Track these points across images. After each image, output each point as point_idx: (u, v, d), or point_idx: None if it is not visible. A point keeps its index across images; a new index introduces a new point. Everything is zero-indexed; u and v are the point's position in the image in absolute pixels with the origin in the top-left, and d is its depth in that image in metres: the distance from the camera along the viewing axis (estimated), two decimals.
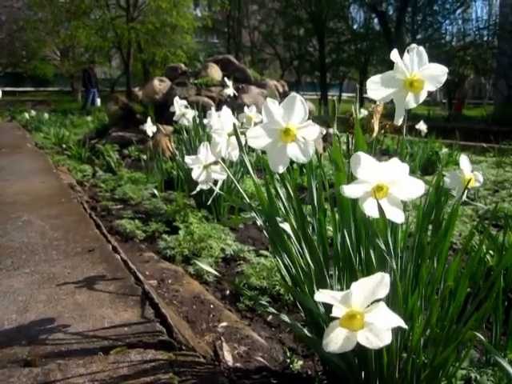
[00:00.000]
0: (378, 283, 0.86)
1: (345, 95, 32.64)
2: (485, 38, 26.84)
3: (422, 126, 6.27)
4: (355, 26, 31.61)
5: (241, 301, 2.21)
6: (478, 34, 27.30)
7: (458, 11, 27.55)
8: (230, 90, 4.82)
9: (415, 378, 1.29)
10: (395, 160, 1.04)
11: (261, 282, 2.30)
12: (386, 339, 0.87)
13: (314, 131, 1.15)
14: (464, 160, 1.41)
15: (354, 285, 0.87)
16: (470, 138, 8.34)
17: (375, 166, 1.03)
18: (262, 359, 1.72)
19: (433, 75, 1.17)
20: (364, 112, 5.84)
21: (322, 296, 0.87)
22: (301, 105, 1.13)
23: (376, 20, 28.03)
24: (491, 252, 2.17)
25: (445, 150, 6.41)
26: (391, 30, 24.51)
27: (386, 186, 1.04)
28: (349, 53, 29.99)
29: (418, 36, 26.21)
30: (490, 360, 1.50)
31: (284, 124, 1.15)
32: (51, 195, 3.75)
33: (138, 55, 23.18)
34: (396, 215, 1.07)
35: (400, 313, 1.14)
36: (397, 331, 1.20)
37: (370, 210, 1.05)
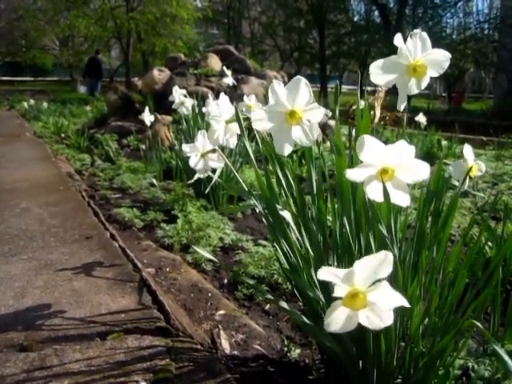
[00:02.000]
0: (381, 261, 0.85)
1: (345, 87, 32.58)
2: (485, 32, 26.81)
3: (421, 119, 6.25)
4: (356, 19, 31.51)
5: (239, 289, 2.21)
6: (478, 27, 27.29)
7: (459, 4, 27.49)
8: (229, 80, 4.80)
9: (413, 367, 1.29)
10: (401, 142, 1.03)
11: (259, 271, 2.29)
12: (387, 320, 0.86)
13: (318, 114, 1.14)
14: (467, 149, 1.40)
15: (356, 263, 0.86)
16: (470, 131, 8.33)
17: (380, 149, 1.02)
18: (259, 347, 1.72)
19: (436, 60, 1.16)
20: (363, 103, 5.81)
21: (324, 273, 0.86)
22: (305, 87, 1.12)
23: (377, 12, 27.97)
24: (490, 244, 2.17)
25: (444, 143, 6.39)
26: (392, 22, 24.46)
27: (391, 169, 1.03)
28: (349, 45, 29.90)
29: (419, 29, 26.06)
30: (488, 350, 1.50)
31: (289, 106, 1.14)
32: (50, 183, 3.74)
33: (137, 45, 23.09)
34: (401, 199, 1.06)
35: None
36: (396, 319, 1.20)
37: (373, 193, 1.04)
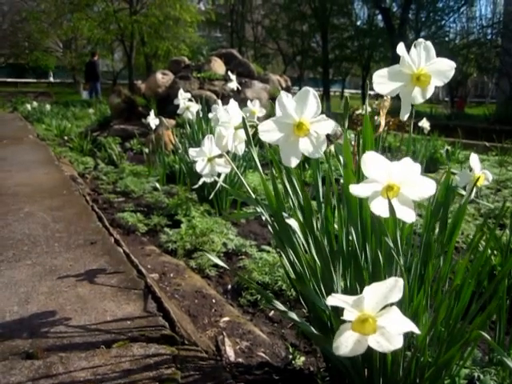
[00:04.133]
0: (391, 288, 0.85)
1: (347, 91, 32.64)
2: (488, 37, 26.80)
3: (424, 124, 6.24)
4: (359, 23, 31.58)
5: (242, 296, 2.21)
6: (481, 32, 27.29)
7: (462, 9, 27.50)
8: (233, 84, 4.81)
9: (419, 377, 1.28)
10: (406, 159, 1.02)
11: (263, 277, 2.29)
12: (397, 343, 0.86)
13: (327, 126, 1.14)
14: (474, 159, 1.40)
15: (366, 289, 0.85)
16: (473, 136, 8.32)
17: (386, 166, 1.01)
18: (263, 355, 1.72)
19: (440, 70, 1.15)
20: (367, 108, 5.81)
21: (333, 300, 0.86)
22: (314, 99, 1.12)
23: (380, 16, 28.00)
24: (494, 251, 2.16)
25: (447, 148, 6.39)
26: (395, 26, 24.46)
27: (396, 186, 1.02)
28: (352, 49, 29.98)
29: (422, 33, 26.16)
30: (493, 359, 1.50)
31: (297, 118, 1.14)
32: (53, 187, 3.74)
33: (140, 48, 23.14)
34: (407, 215, 1.05)
35: (405, 311, 1.14)
36: None
37: (378, 209, 1.03)
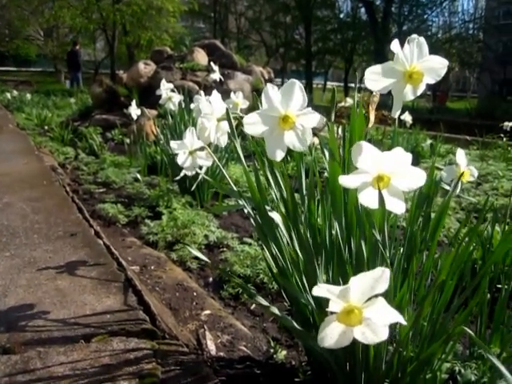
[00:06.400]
0: (377, 278, 0.84)
1: (329, 84, 32.72)
2: (470, 32, 27.04)
3: (407, 117, 6.27)
4: (342, 15, 31.66)
5: (224, 288, 2.19)
6: (463, 27, 27.52)
7: (445, 3, 27.67)
8: (216, 75, 4.77)
9: (401, 371, 1.28)
10: (398, 149, 1.01)
11: (244, 270, 2.27)
12: (382, 335, 0.85)
13: (312, 119, 1.12)
14: (460, 154, 1.40)
15: (352, 279, 0.84)
16: (454, 130, 8.37)
17: (377, 156, 1.00)
18: (245, 349, 1.70)
19: (432, 68, 1.14)
20: (350, 101, 5.83)
21: (319, 290, 0.85)
22: (300, 91, 1.10)
23: (363, 10, 28.07)
24: (475, 245, 2.17)
25: (429, 142, 6.43)
26: (378, 20, 24.52)
27: (387, 176, 1.01)
28: (335, 41, 30.06)
29: (404, 27, 26.28)
30: (474, 353, 1.50)
31: (283, 111, 1.12)
32: (33, 177, 3.69)
33: (122, 38, 22.94)
34: (397, 206, 1.04)
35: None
36: None
37: (367, 200, 1.02)
